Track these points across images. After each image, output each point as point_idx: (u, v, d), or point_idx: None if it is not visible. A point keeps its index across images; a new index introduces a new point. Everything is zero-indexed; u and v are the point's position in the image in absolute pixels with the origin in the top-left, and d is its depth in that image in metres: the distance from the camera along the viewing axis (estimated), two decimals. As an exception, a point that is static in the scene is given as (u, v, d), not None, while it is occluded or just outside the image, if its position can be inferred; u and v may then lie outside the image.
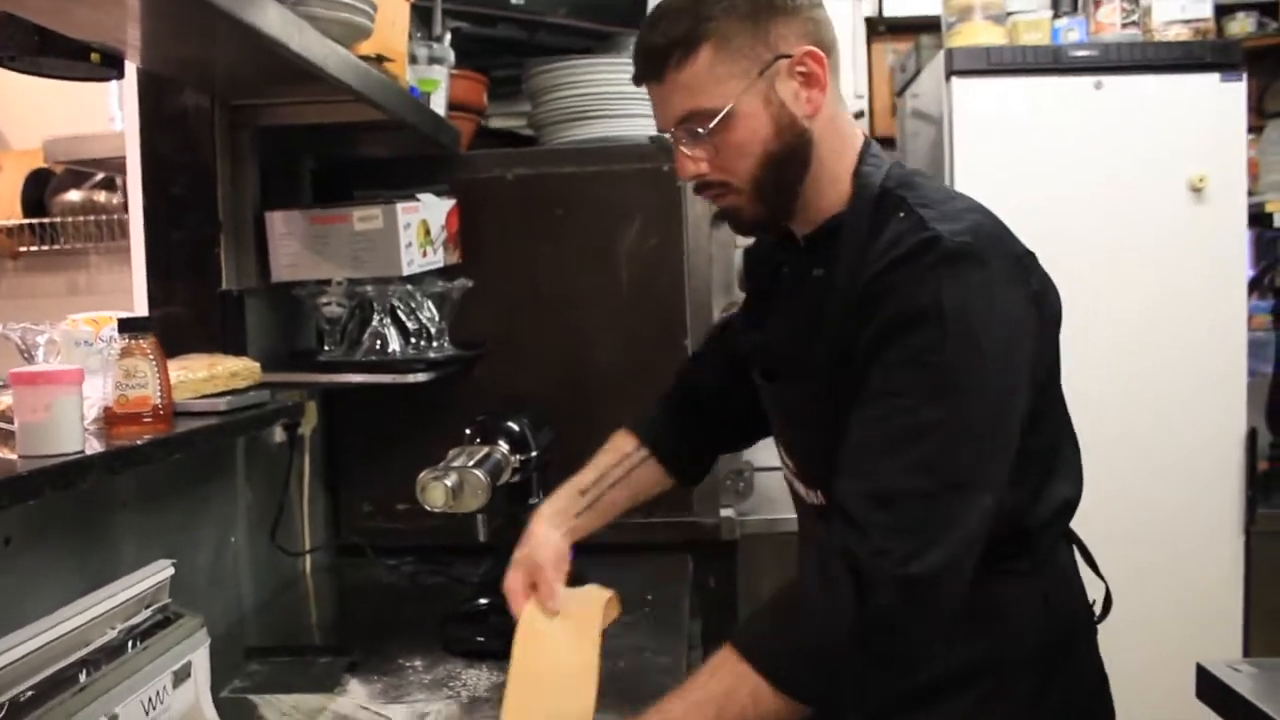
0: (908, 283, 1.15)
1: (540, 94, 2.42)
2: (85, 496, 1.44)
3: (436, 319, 2.03)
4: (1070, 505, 1.31)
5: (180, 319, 1.84)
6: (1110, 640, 1.34)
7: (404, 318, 2.04)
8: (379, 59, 1.63)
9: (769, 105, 1.22)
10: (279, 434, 2.04)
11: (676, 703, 1.13)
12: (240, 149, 1.90)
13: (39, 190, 3.03)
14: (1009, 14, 2.58)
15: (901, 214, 1.21)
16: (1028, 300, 1.19)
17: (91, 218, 3.01)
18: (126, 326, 1.43)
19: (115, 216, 3.00)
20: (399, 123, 1.83)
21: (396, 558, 2.22)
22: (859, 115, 3.11)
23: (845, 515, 1.12)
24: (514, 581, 1.41)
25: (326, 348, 2.02)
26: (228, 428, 1.61)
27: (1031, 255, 1.24)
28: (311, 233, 1.95)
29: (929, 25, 2.81)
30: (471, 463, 1.55)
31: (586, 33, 2.85)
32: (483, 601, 1.68)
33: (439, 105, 2.11)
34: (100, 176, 2.97)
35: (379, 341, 1.97)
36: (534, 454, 1.72)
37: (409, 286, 1.99)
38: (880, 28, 3.21)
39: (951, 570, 1.10)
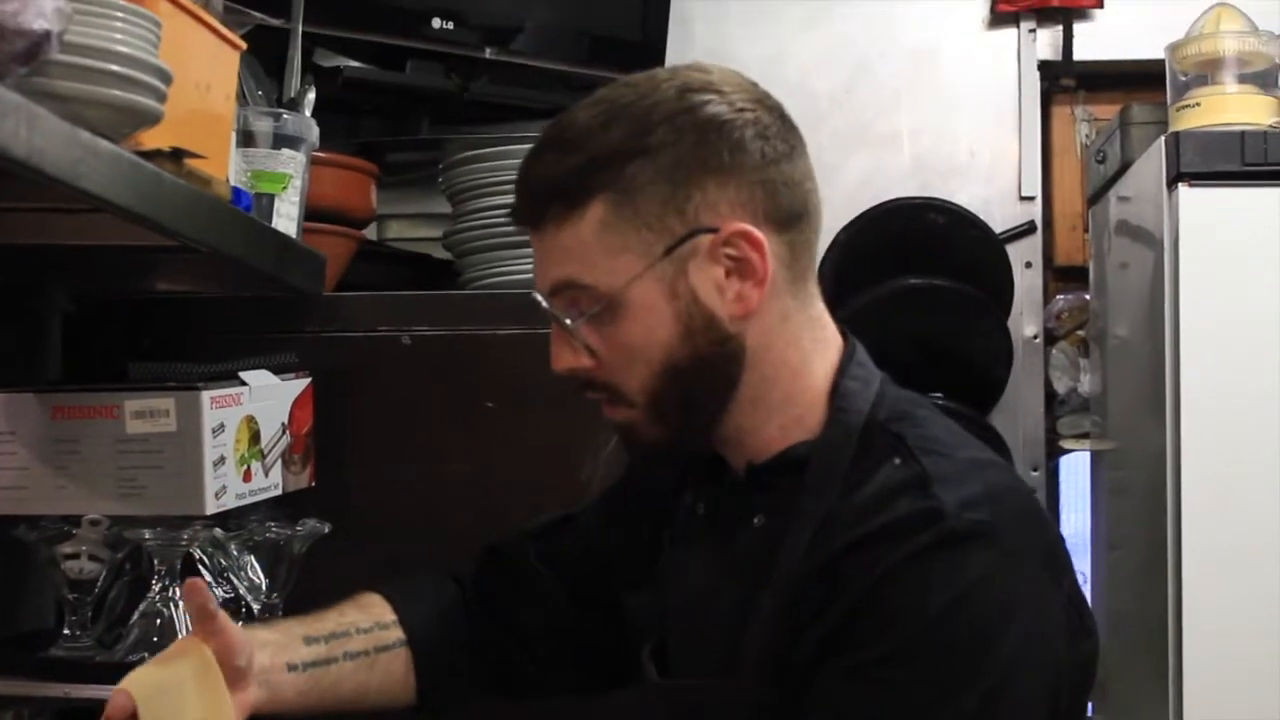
0: (883, 570, 1.35)
1: (464, 194, 2.47)
2: None
3: (263, 589, 2.02)
4: None
5: None
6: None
7: (210, 583, 2.02)
8: (175, 154, 1.64)
9: (674, 298, 1.45)
10: (-31, 784, 2.02)
11: None
12: (-72, 280, 1.93)
13: None
14: (1281, 70, 2.58)
15: (897, 459, 1.43)
16: (1061, 609, 1.43)
17: None
18: None
19: None
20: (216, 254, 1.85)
21: None
22: (1028, 230, 3.14)
23: None
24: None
25: (67, 632, 2.01)
26: None
27: (1063, 543, 1.49)
28: (52, 433, 1.96)
29: (1148, 78, 2.82)
30: None
31: (561, 80, 2.94)
32: None
33: (289, 215, 2.14)
34: None
35: (158, 627, 1.95)
36: None
37: (218, 532, 1.98)
38: (1066, 80, 3.25)
39: None
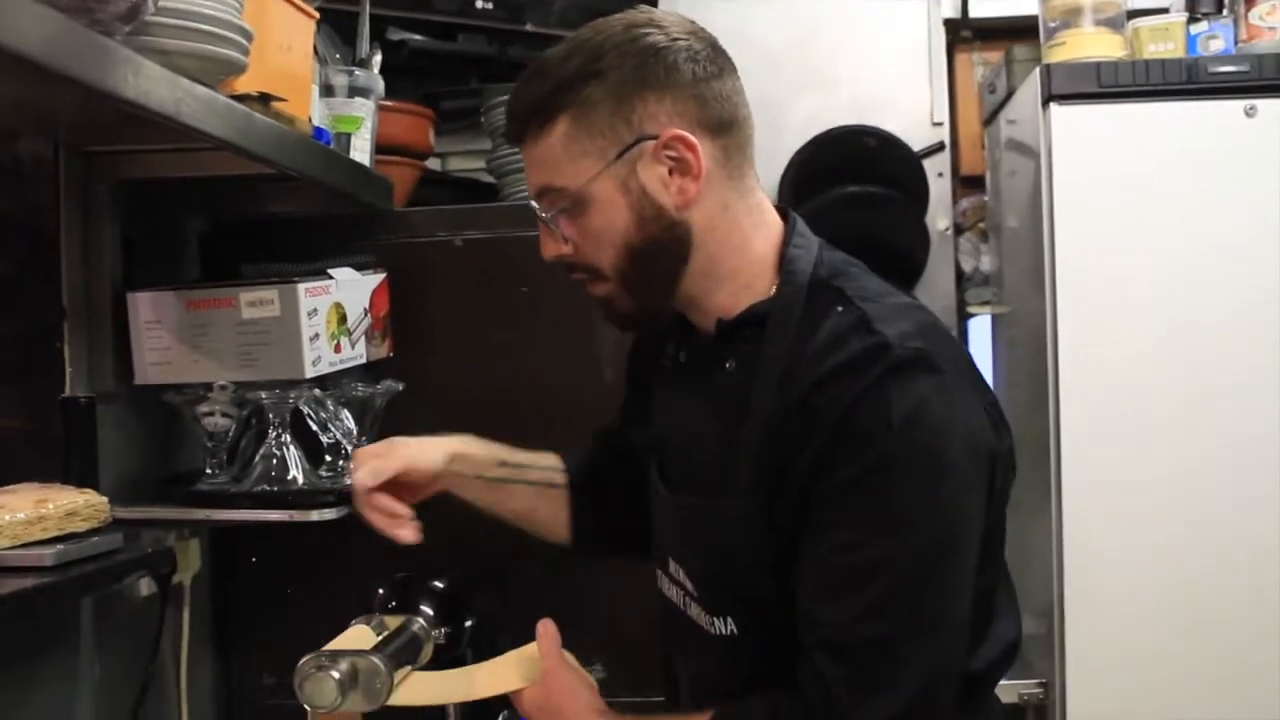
0: (850, 398, 1.30)
1: (500, 130, 2.38)
2: None
3: (354, 434, 2.00)
4: (1015, 647, 1.49)
5: (6, 434, 1.80)
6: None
7: (314, 429, 2.02)
8: (263, 98, 1.59)
9: (627, 192, 1.40)
10: (146, 585, 2.01)
11: None
12: (95, 208, 1.89)
13: None
14: (1129, 15, 2.53)
15: (840, 307, 1.37)
16: (984, 409, 1.38)
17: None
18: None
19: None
20: (301, 177, 1.82)
21: (309, 747, 2.17)
22: (939, 149, 3.06)
23: (810, 667, 1.33)
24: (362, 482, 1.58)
25: (209, 471, 2.00)
26: (57, 589, 1.57)
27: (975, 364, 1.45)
28: (188, 321, 1.94)
29: (1026, 29, 2.77)
30: (373, 644, 1.49)
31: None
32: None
33: (363, 150, 2.10)
34: None
35: (275, 465, 1.94)
36: (468, 625, 1.65)
37: (317, 392, 1.97)
38: (965, 32, 3.17)
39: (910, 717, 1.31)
